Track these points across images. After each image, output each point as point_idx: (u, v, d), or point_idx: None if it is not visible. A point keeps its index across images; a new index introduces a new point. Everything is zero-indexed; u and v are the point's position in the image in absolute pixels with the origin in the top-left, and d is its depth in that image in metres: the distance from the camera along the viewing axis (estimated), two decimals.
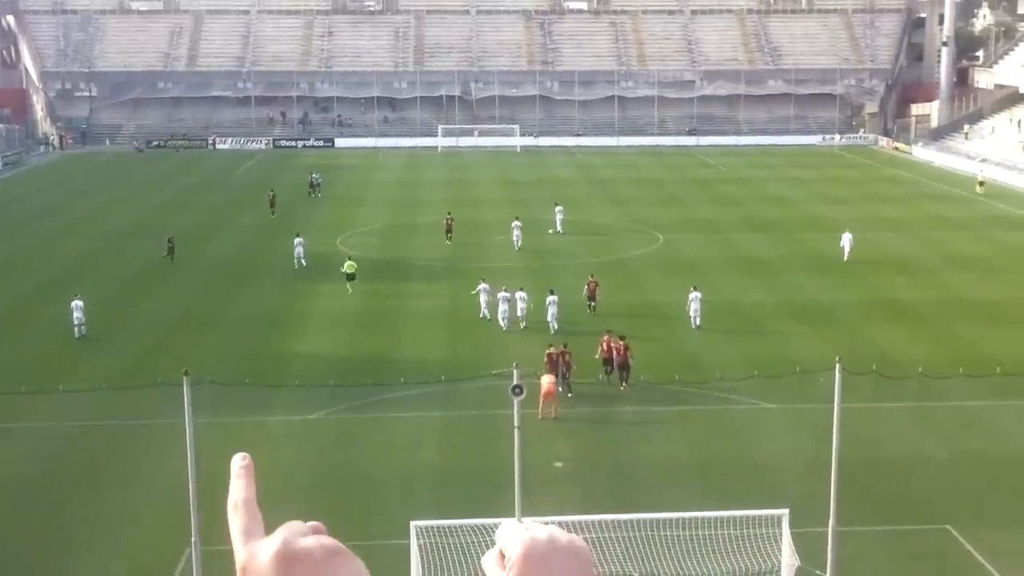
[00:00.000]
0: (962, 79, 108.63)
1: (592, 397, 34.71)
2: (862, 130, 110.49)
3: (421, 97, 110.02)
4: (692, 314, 41.64)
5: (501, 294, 41.99)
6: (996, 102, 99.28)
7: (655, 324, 42.21)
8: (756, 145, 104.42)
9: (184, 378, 20.77)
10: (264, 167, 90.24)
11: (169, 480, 26.42)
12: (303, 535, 1.61)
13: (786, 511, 22.16)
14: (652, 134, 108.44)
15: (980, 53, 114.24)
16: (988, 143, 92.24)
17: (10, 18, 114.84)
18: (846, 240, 53.23)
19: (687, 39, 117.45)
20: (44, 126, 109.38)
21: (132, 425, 31.90)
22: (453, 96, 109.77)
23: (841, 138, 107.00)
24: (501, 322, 41.67)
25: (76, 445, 31.19)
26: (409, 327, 42.57)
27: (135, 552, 25.11)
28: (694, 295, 41.90)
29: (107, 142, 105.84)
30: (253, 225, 63.21)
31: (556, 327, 40.53)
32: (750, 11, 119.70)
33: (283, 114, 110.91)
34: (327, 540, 1.61)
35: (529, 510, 21.89)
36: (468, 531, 21.33)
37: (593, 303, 43.77)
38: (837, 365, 22.06)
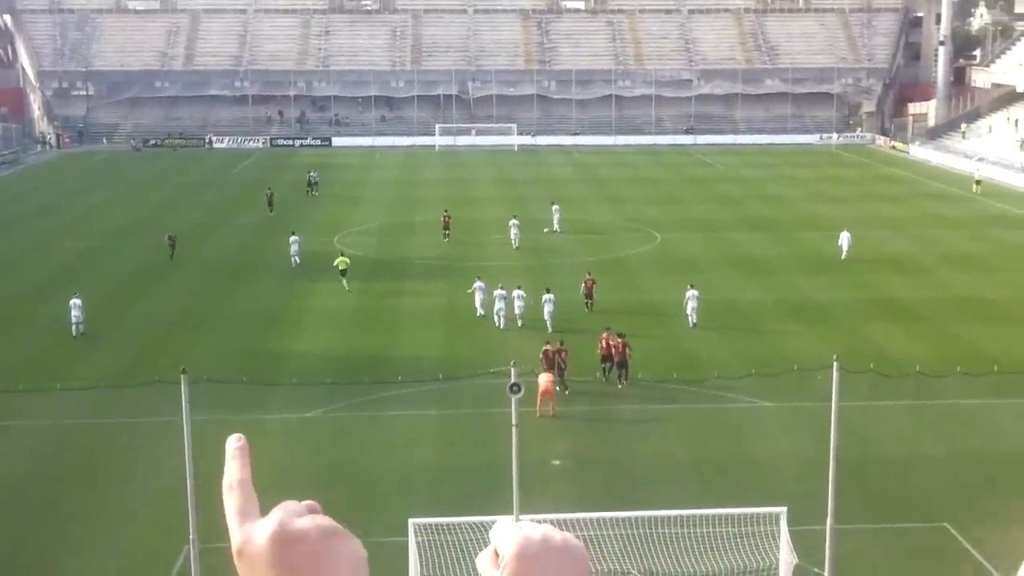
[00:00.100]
0: (959, 78, 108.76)
1: (590, 395, 34.71)
2: (859, 129, 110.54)
3: (418, 96, 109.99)
4: (689, 313, 41.66)
5: (497, 292, 42.00)
6: (993, 101, 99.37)
7: (653, 322, 42.21)
8: (753, 144, 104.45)
9: (182, 376, 20.75)
10: (261, 166, 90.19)
11: (167, 478, 26.40)
12: (299, 515, 1.61)
13: (784, 509, 22.17)
14: (649, 133, 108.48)
15: (977, 52, 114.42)
16: (985, 142, 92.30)
17: (7, 17, 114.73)
18: (844, 239, 53.27)
19: (684, 38, 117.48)
20: (41, 125, 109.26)
21: (130, 423, 31.88)
22: (450, 95, 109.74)
23: (838, 137, 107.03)
24: (497, 320, 41.64)
25: (74, 443, 31.18)
26: (406, 325, 42.56)
27: (133, 550, 25.09)
28: (691, 293, 41.90)
29: (104, 141, 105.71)
30: (250, 224, 63.17)
31: (551, 326, 40.51)
32: (747, 10, 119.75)
33: (280, 113, 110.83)
34: (323, 520, 1.61)
35: (527, 508, 21.89)
36: (466, 529, 21.33)
37: (590, 301, 43.79)
38: (835, 363, 22.07)
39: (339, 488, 27.48)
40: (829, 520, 21.68)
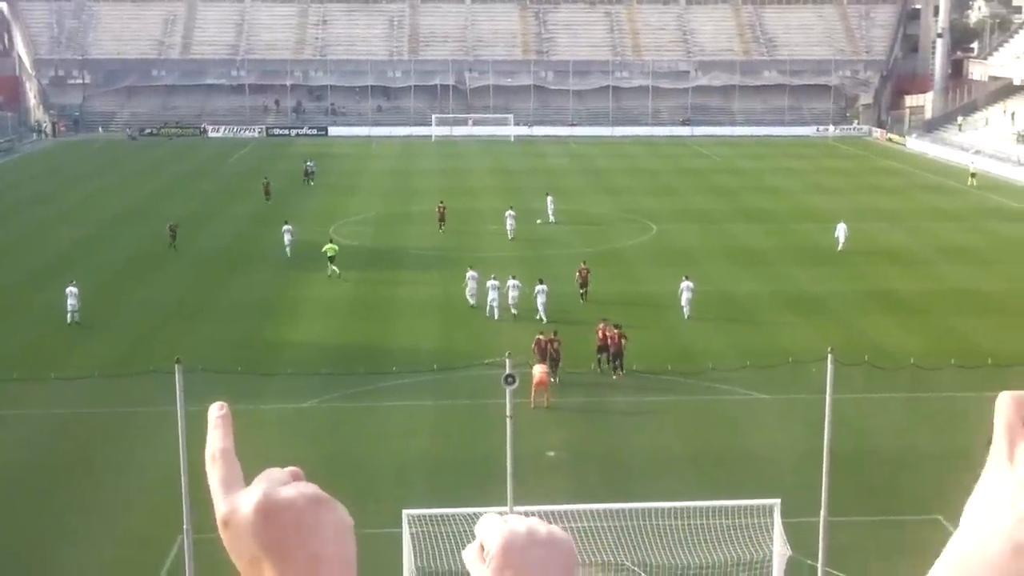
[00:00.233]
0: (956, 71, 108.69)
1: (584, 387, 34.75)
2: (856, 121, 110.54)
3: (415, 86, 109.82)
4: (684, 304, 41.68)
5: (490, 283, 41.99)
6: (990, 94, 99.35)
7: (648, 313, 42.22)
8: (750, 136, 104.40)
9: (176, 366, 20.74)
10: (257, 155, 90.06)
11: (162, 468, 26.33)
12: (283, 483, 1.60)
13: (778, 501, 22.21)
14: (646, 124, 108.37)
15: (975, 45, 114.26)
16: (982, 135, 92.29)
17: (3, 5, 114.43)
18: (840, 231, 53.29)
19: (682, 29, 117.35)
20: (37, 113, 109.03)
21: (125, 412, 31.88)
22: (447, 85, 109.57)
23: (835, 129, 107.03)
24: (490, 311, 41.61)
25: (69, 432, 31.18)
26: (402, 316, 42.57)
27: (128, 539, 25.12)
28: (685, 284, 41.93)
29: (100, 130, 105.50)
30: (246, 213, 63.10)
31: (544, 317, 40.52)
32: (745, 1, 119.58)
33: (277, 102, 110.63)
34: (308, 488, 1.60)
35: (521, 499, 21.91)
36: (460, 520, 21.33)
37: (584, 291, 43.81)
38: (829, 355, 22.08)
39: (334, 478, 27.38)
40: (823, 512, 21.71)
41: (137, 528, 25.52)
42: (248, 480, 1.62)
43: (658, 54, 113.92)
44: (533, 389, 32.17)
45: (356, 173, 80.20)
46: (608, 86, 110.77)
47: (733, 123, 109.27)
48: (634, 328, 37.40)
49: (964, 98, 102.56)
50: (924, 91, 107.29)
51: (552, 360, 34.28)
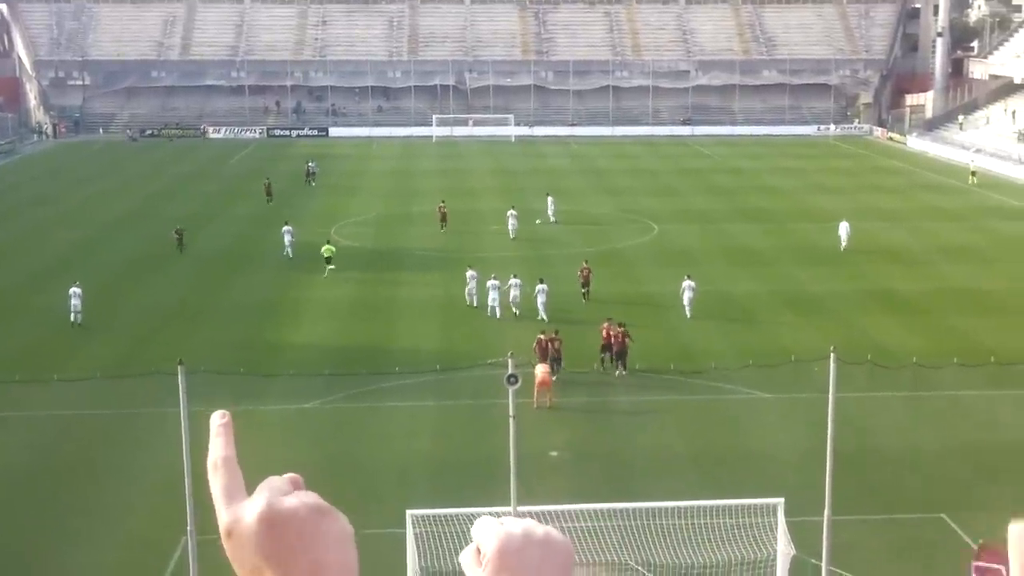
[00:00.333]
0: (957, 69, 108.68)
1: (587, 386, 34.75)
2: (857, 120, 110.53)
3: (415, 86, 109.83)
4: (685, 304, 41.68)
5: (490, 283, 41.98)
6: (991, 92, 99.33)
7: (650, 313, 42.22)
8: (751, 135, 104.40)
9: (179, 367, 20.72)
10: (258, 156, 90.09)
11: (165, 469, 26.34)
12: (284, 493, 1.61)
13: (781, 500, 22.19)
14: (647, 124, 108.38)
15: (975, 44, 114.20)
16: (983, 133, 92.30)
17: (3, 6, 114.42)
18: (843, 229, 53.26)
19: (682, 29, 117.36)
20: (37, 115, 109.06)
21: (127, 414, 31.87)
22: (448, 86, 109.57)
23: (836, 128, 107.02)
24: (490, 311, 41.60)
25: (71, 434, 31.17)
26: (404, 316, 42.58)
27: (131, 541, 25.10)
28: (687, 283, 41.94)
29: (100, 131, 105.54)
30: (247, 214, 63.11)
31: (545, 316, 40.51)
32: (745, 1, 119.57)
33: (277, 103, 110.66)
34: (310, 498, 1.60)
35: (525, 499, 21.91)
36: (464, 520, 21.31)
37: (586, 290, 43.83)
38: (832, 354, 22.06)
39: (337, 479, 27.45)
40: (826, 511, 21.70)
41: (140, 530, 25.50)
42: (249, 487, 1.63)
43: (658, 54, 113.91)
44: (536, 389, 32.17)
45: (357, 174, 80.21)
46: (608, 86, 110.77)
47: (733, 123, 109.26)
48: (636, 327, 37.39)
49: (964, 97, 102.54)
50: (924, 90, 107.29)
51: (553, 359, 34.28)
